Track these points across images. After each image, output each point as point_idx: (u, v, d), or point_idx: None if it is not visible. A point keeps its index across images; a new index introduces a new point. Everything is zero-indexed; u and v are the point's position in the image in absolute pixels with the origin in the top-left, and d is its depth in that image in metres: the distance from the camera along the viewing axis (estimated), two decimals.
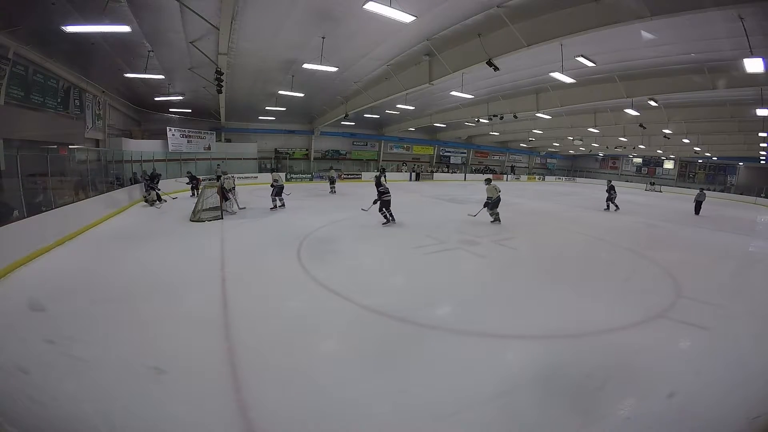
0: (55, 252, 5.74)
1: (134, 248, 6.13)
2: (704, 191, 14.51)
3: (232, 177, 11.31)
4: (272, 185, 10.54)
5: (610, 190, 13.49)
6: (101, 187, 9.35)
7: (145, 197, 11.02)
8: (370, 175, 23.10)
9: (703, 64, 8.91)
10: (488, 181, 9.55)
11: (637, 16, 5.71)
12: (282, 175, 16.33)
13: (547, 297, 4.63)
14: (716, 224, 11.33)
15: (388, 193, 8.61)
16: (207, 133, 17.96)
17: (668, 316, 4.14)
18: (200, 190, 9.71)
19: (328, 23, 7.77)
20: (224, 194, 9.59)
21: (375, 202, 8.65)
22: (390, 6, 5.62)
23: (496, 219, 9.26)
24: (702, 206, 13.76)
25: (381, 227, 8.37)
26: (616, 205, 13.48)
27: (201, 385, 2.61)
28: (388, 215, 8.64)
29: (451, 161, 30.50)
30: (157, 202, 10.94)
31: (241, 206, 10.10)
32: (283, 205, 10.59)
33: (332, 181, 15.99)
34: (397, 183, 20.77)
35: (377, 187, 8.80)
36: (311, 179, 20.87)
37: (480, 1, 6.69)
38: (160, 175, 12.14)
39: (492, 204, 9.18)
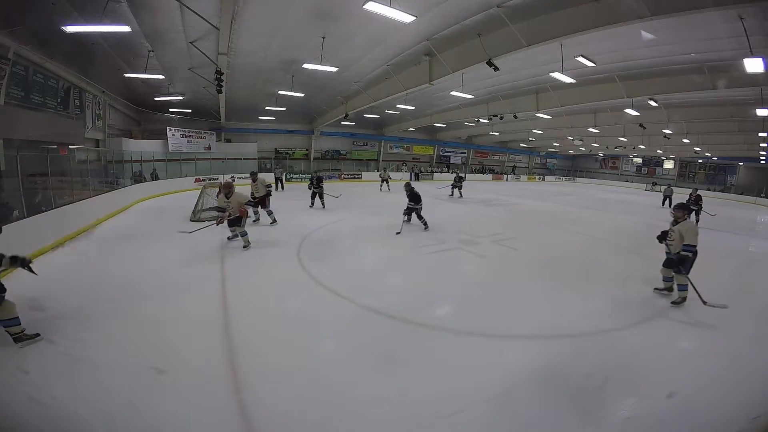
0: (55, 252, 5.73)
1: (134, 248, 6.13)
2: (671, 187, 16.30)
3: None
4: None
5: (697, 201, 10.52)
6: (101, 187, 9.34)
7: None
8: (370, 176, 23.04)
9: (703, 64, 8.92)
10: (253, 175, 8.76)
11: (637, 16, 5.72)
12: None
13: (547, 297, 4.63)
14: (716, 224, 11.31)
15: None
16: (207, 133, 17.96)
17: (668, 316, 4.14)
18: (201, 190, 9.65)
19: (328, 23, 7.77)
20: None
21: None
22: (390, 6, 5.63)
23: (256, 220, 8.32)
24: (671, 200, 14.68)
25: (380, 227, 8.35)
26: (697, 219, 10.18)
27: (201, 385, 2.61)
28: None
29: (451, 161, 30.48)
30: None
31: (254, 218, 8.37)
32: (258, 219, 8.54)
33: (386, 180, 17.46)
34: (397, 183, 20.66)
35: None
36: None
37: (480, 1, 6.69)
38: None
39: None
